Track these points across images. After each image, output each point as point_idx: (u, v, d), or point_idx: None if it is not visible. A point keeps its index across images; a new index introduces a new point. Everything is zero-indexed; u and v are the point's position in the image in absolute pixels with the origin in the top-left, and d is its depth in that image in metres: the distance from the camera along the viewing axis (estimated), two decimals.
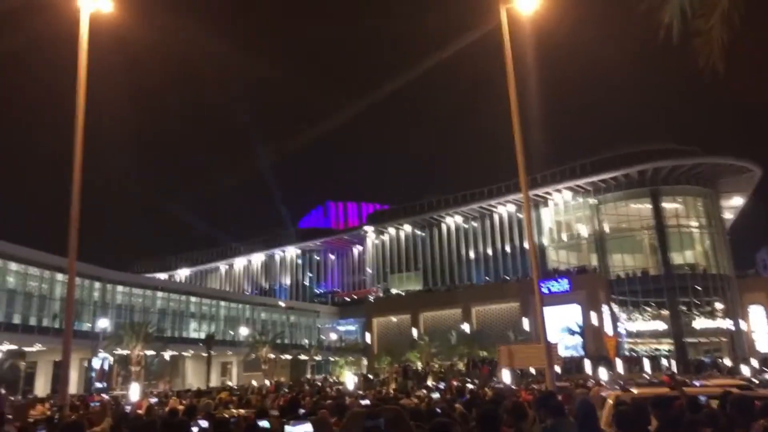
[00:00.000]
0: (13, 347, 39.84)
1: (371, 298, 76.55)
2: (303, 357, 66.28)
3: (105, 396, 33.36)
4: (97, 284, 48.09)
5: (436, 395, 20.32)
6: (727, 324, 56.72)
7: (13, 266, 41.20)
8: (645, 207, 62.10)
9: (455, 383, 31.77)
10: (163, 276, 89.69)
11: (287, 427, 6.08)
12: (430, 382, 38.09)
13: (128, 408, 19.40)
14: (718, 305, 57.47)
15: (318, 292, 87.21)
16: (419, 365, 53.38)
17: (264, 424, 7.10)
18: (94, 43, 14.38)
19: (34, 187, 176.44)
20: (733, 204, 68.82)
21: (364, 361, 66.37)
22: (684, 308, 57.07)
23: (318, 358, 68.80)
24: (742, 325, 58.46)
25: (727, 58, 5.94)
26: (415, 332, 62.75)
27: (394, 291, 77.10)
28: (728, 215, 69.50)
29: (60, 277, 42.73)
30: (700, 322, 56.75)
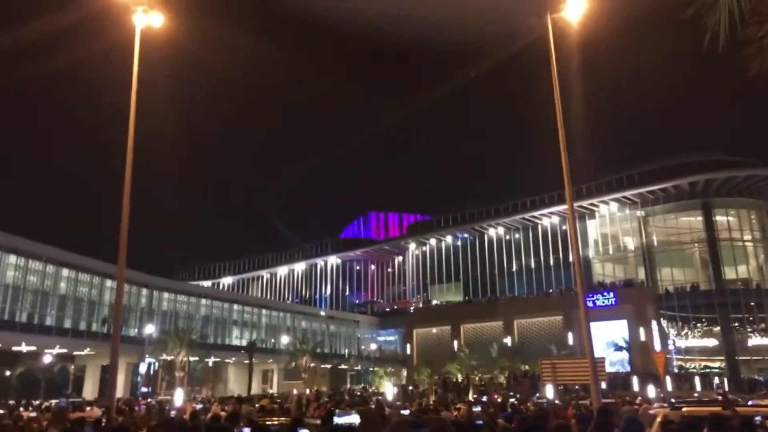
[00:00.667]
0: (64, 351, 41.13)
1: (411, 309, 76.27)
2: (343, 366, 66.43)
3: (150, 400, 34.11)
4: (144, 291, 49.36)
5: (477, 408, 20.05)
6: None
7: (65, 272, 42.61)
8: (695, 219, 60.27)
9: (497, 397, 31.34)
10: (207, 284, 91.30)
11: (335, 418, 6.10)
12: (470, 395, 37.67)
13: (173, 413, 19.77)
14: None
15: (358, 302, 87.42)
16: (459, 377, 52.81)
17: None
18: (146, 56, 14.83)
19: (86, 195, 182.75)
20: None
21: (404, 372, 66.05)
22: (737, 324, 55.00)
23: (357, 367, 68.87)
24: None
25: None
26: (455, 344, 62.18)
27: (434, 302, 76.68)
28: None
29: (109, 283, 44.02)
30: (754, 340, 54.60)
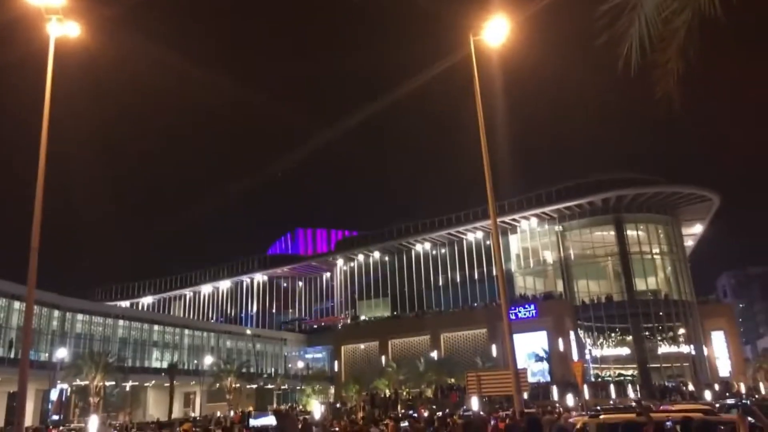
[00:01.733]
0: None
1: (339, 326, 75.85)
2: (269, 386, 65.06)
3: (62, 428, 32.18)
4: (55, 312, 46.67)
5: (404, 424, 20.16)
6: (689, 349, 57.74)
7: None
8: (608, 234, 63.31)
9: (424, 411, 31.59)
10: (125, 304, 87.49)
11: (251, 420, 5.98)
12: (398, 410, 37.75)
13: None
14: (681, 331, 58.54)
15: (285, 319, 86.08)
16: (387, 393, 52.88)
17: None
18: (62, 67, 14.22)
19: None
20: (694, 231, 70.67)
21: (332, 390, 65.45)
22: (647, 334, 57.97)
23: (285, 386, 67.63)
24: (704, 350, 59.58)
25: (684, 90, 6.17)
26: (383, 359, 62.27)
27: (362, 318, 76.58)
28: (689, 242, 71.28)
29: (17, 305, 41.41)
30: (663, 348, 57.68)
